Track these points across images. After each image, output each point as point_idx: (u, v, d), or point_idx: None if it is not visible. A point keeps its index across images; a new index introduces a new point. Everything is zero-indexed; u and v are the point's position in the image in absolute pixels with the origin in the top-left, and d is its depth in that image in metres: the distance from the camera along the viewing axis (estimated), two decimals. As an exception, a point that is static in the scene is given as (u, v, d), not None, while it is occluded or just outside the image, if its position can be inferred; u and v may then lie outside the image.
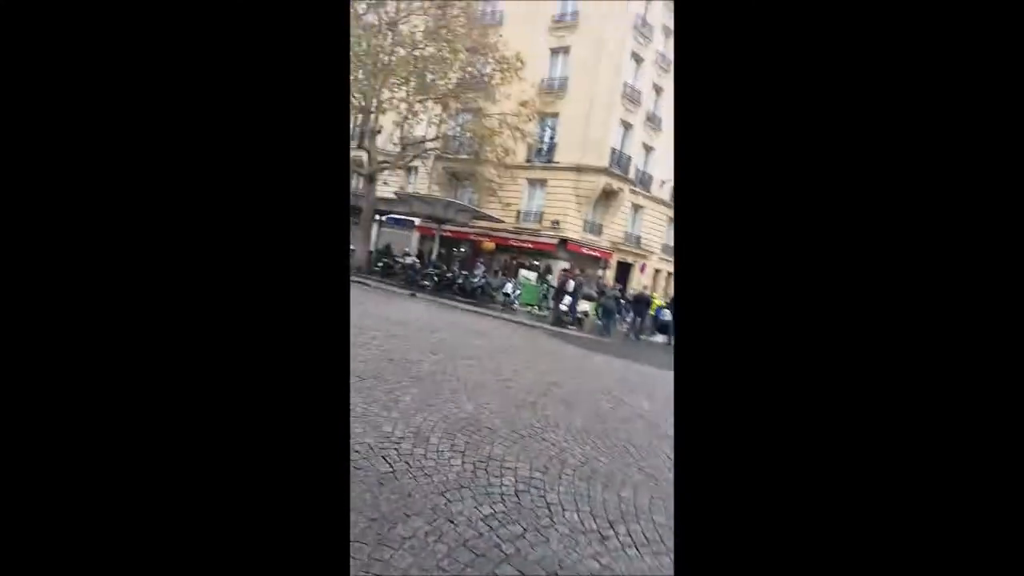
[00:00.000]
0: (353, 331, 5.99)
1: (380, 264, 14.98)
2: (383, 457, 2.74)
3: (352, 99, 13.32)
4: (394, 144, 14.43)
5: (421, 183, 19.69)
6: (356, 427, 3.08)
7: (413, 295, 11.84)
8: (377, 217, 16.72)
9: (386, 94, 13.17)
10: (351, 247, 15.76)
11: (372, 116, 13.59)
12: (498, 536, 2.20)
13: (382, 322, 7.15)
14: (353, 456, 2.67)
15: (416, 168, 19.52)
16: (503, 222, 16.85)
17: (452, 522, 2.24)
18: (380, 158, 14.37)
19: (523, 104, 13.89)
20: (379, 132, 14.24)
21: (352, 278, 13.12)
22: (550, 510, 2.53)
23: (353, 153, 15.20)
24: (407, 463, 2.73)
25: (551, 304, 11.98)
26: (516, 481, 2.79)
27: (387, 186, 16.37)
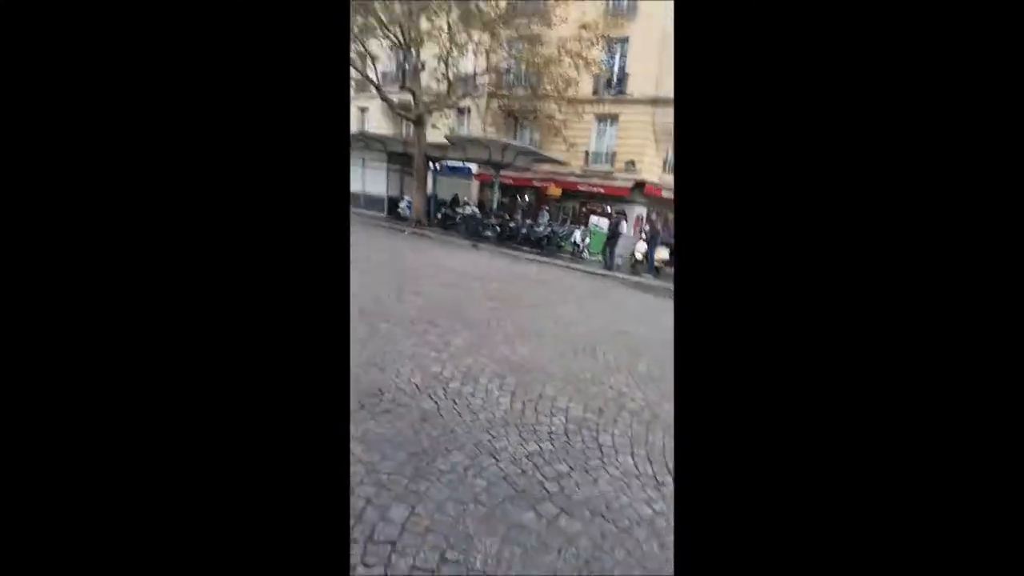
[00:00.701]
0: (409, 280, 6.22)
1: (440, 215, 15.26)
2: (429, 395, 2.83)
3: (388, 35, 13.16)
4: (438, 80, 14.11)
5: (475, 125, 19.41)
6: (404, 367, 3.20)
7: (475, 246, 11.99)
8: (431, 166, 16.88)
9: (425, 24, 12.80)
10: (406, 198, 16.23)
11: (412, 51, 13.31)
12: (541, 474, 2.20)
13: (439, 271, 7.33)
14: (397, 394, 2.79)
15: (468, 109, 19.22)
16: (569, 165, 16.20)
17: (495, 457, 2.27)
18: (427, 98, 14.24)
19: (584, 27, 12.87)
20: (423, 69, 14.03)
21: (412, 230, 13.57)
22: (602, 451, 2.48)
23: (397, 96, 15.25)
24: (453, 401, 2.80)
25: (607, 251, 11.52)
26: (567, 421, 2.76)
27: (437, 130, 16.24)
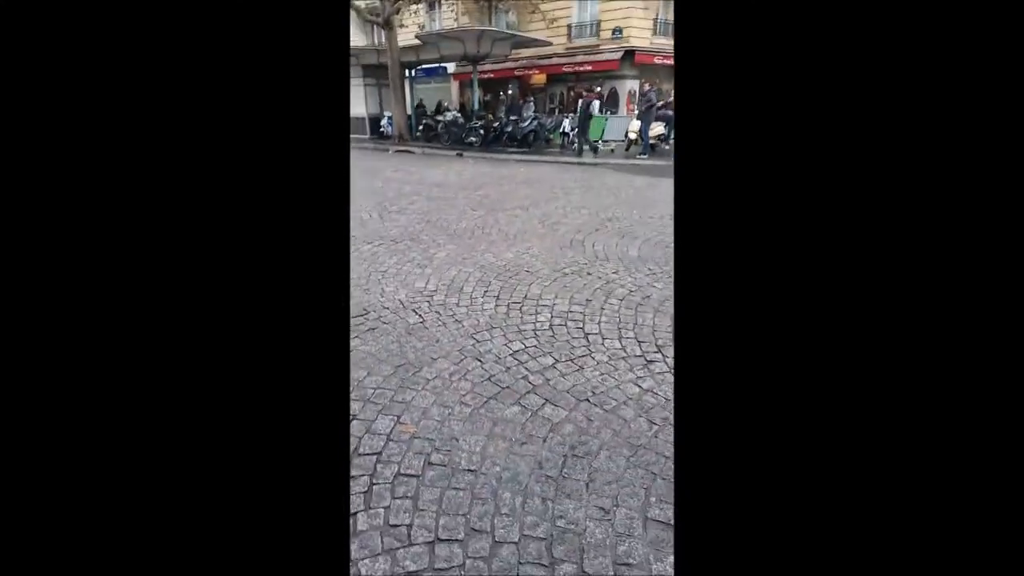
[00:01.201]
0: (390, 199, 6.01)
1: (421, 127, 14.40)
2: (414, 310, 2.81)
3: None
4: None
5: (447, 20, 17.56)
6: (388, 285, 3.16)
7: (459, 154, 11.42)
8: (408, 73, 15.61)
9: None
10: (387, 114, 15.24)
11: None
12: (526, 368, 2.21)
13: (421, 186, 7.05)
14: (383, 312, 2.77)
15: (438, 1, 17.29)
16: (550, 44, 14.76)
17: (479, 360, 2.27)
18: (393, -2, 12.73)
19: None
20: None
21: (395, 147, 12.92)
22: (588, 340, 2.47)
23: (364, 1, 13.69)
24: (438, 313, 2.77)
25: (580, 138, 10.88)
26: (552, 316, 2.73)
27: (407, 30, 14.74)
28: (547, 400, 1.97)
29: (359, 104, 17.06)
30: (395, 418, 1.86)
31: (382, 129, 15.54)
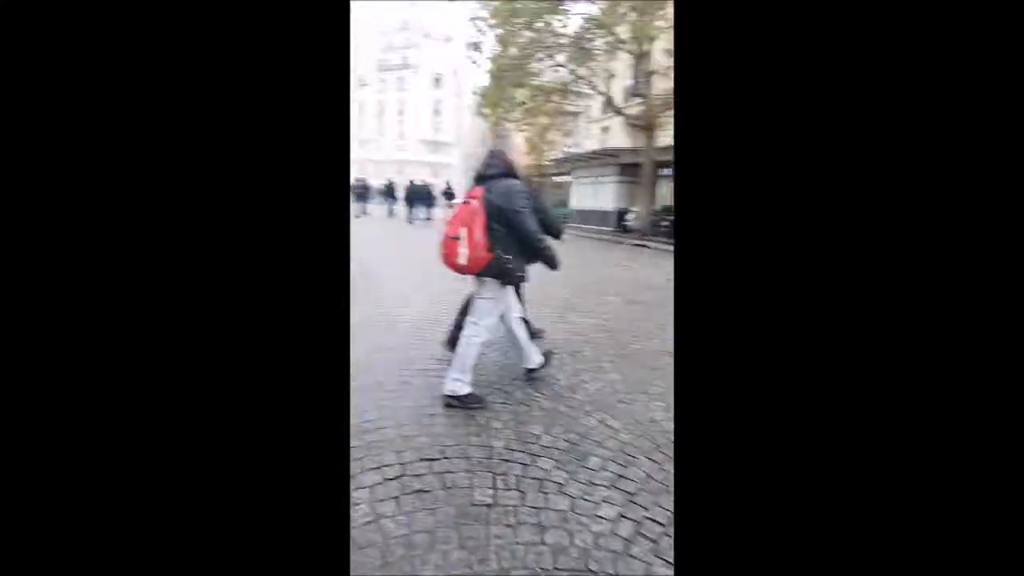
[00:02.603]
0: (585, 296, 5.38)
1: (664, 223, 13.70)
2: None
3: (621, 44, 12.49)
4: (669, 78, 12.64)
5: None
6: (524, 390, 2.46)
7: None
8: (664, 172, 15.42)
9: (661, 22, 11.62)
10: (634, 209, 15.19)
11: (645, 53, 12.27)
12: None
13: (631, 287, 6.23)
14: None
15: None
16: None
17: None
18: (657, 101, 12.95)
19: None
20: (655, 72, 12.83)
21: (633, 242, 12.55)
22: None
23: (636, 108, 14.43)
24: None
25: None
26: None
27: (669, 130, 14.71)
28: None
29: (608, 198, 17.71)
30: None
31: (626, 222, 15.61)
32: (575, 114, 22.42)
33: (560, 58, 13.62)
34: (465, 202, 2.28)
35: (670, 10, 11.38)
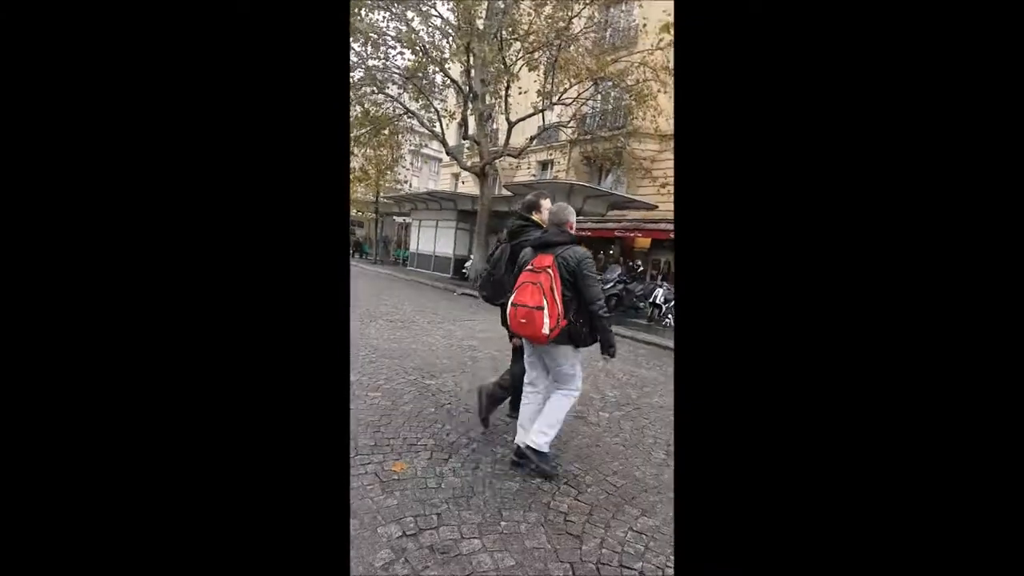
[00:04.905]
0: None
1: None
2: None
3: (453, 82, 12.20)
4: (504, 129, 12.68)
5: (560, 175, 17.66)
6: None
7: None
8: (506, 224, 15.36)
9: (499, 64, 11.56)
10: (473, 257, 14.67)
11: (478, 95, 12.09)
12: None
13: (444, 346, 5.15)
14: None
15: (552, 162, 17.65)
16: (655, 208, 13.41)
17: None
18: (492, 148, 12.84)
19: (665, 29, 10.58)
20: (487, 118, 12.74)
21: (461, 290, 11.79)
22: None
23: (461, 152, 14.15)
24: None
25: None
26: None
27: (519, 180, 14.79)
28: None
29: (447, 244, 17.07)
30: None
31: (464, 270, 15.02)
32: (421, 152, 21.80)
33: (393, 90, 12.85)
34: (534, 270, 2.27)
35: (512, 50, 11.45)
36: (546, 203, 2.83)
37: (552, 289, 2.20)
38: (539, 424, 2.35)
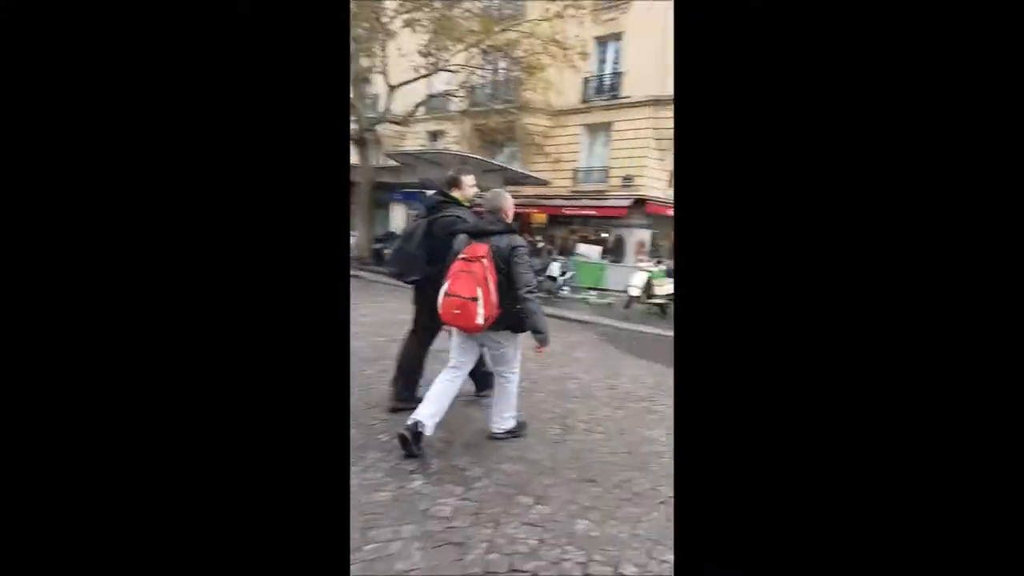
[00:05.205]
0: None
1: (379, 251, 12.48)
2: None
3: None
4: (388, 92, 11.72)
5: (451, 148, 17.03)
6: None
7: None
8: (396, 195, 14.42)
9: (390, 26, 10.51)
10: (355, 233, 13.61)
11: (354, 51, 10.93)
12: None
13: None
14: None
15: (443, 133, 16.92)
16: (547, 183, 13.45)
17: None
18: (370, 114, 11.83)
19: (558, 16, 10.41)
20: (365, 80, 11.67)
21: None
22: None
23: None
24: None
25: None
26: None
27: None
28: None
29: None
30: None
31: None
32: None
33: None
34: (468, 259, 2.20)
35: (388, 7, 10.47)
36: (468, 179, 2.70)
37: (487, 279, 2.16)
38: (502, 414, 2.51)
